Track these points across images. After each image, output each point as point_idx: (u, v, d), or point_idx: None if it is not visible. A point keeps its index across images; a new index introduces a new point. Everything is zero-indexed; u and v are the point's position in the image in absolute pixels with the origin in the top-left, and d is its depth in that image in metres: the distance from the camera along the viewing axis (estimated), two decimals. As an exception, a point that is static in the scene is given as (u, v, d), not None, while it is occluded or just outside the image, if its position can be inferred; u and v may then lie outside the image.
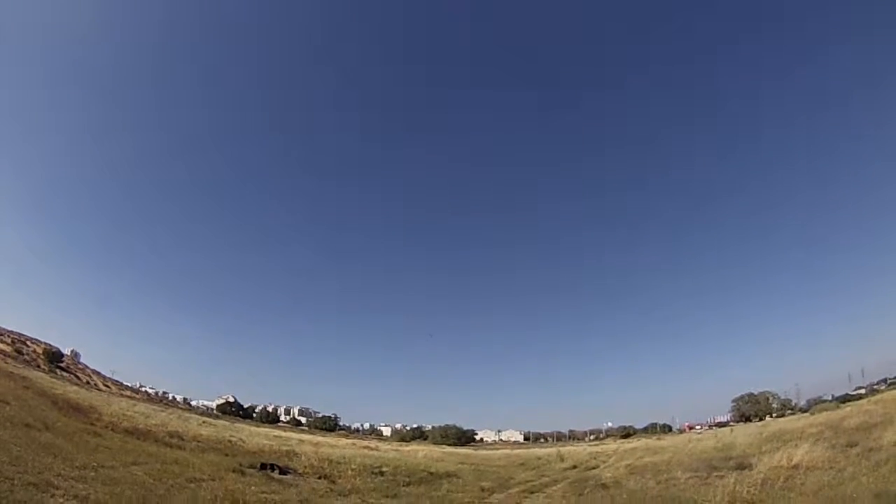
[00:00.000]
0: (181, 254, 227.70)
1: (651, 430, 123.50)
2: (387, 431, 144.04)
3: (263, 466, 19.77)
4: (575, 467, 38.30)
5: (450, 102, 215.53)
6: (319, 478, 20.41)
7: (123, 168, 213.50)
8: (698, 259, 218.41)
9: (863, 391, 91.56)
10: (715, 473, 18.08)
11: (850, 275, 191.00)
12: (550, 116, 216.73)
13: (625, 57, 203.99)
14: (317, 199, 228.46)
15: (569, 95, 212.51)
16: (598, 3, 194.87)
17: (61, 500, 8.47)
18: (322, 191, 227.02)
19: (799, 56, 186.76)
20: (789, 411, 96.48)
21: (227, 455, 23.43)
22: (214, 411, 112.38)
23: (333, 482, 19.74)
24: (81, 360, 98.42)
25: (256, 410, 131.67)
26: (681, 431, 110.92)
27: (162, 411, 55.56)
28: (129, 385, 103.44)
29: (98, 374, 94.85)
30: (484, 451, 78.95)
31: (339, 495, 16.58)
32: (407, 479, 22.67)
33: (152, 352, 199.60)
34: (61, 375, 73.40)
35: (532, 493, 22.59)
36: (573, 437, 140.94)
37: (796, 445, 19.45)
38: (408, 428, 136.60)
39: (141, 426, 26.38)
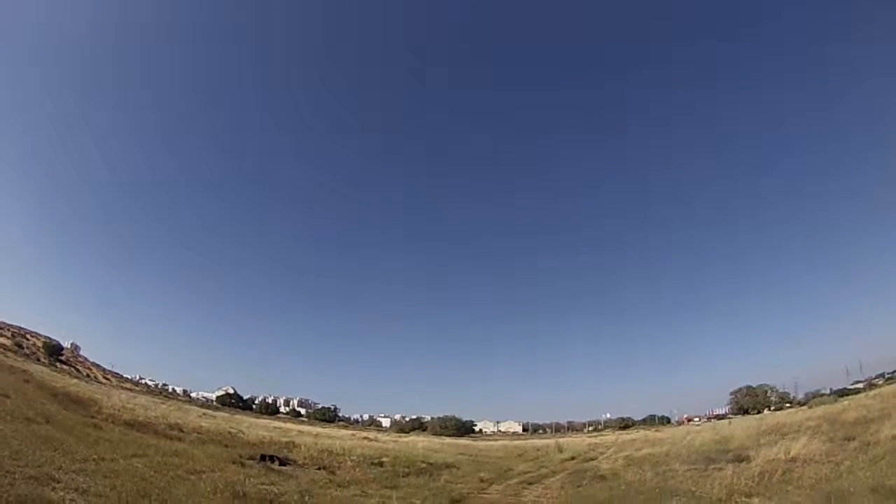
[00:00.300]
0: (180, 247, 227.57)
1: (649, 421, 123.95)
2: (386, 422, 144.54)
3: (263, 458, 19.86)
4: (573, 458, 38.47)
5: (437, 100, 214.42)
6: (319, 469, 20.52)
7: (123, 163, 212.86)
8: (697, 252, 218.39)
9: (861, 385, 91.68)
10: (713, 466, 18.16)
11: (850, 270, 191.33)
12: (546, 111, 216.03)
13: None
14: (315, 193, 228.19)
15: (567, 90, 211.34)
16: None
17: (62, 494, 8.48)
18: (322, 185, 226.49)
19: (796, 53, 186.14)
20: (787, 404, 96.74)
21: (227, 446, 23.51)
22: (214, 403, 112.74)
23: (333, 473, 19.84)
24: (81, 353, 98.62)
25: (256, 402, 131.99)
26: (679, 423, 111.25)
27: (162, 403, 55.67)
28: (129, 377, 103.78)
29: (98, 366, 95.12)
30: (483, 442, 79.34)
31: (339, 486, 16.65)
32: (406, 470, 22.79)
33: (152, 344, 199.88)
34: (61, 368, 73.65)
35: (531, 484, 22.71)
36: (572, 428, 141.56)
37: (794, 439, 19.55)
38: (407, 419, 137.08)
39: (141, 418, 26.44)
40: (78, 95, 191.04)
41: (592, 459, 35.46)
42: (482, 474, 25.02)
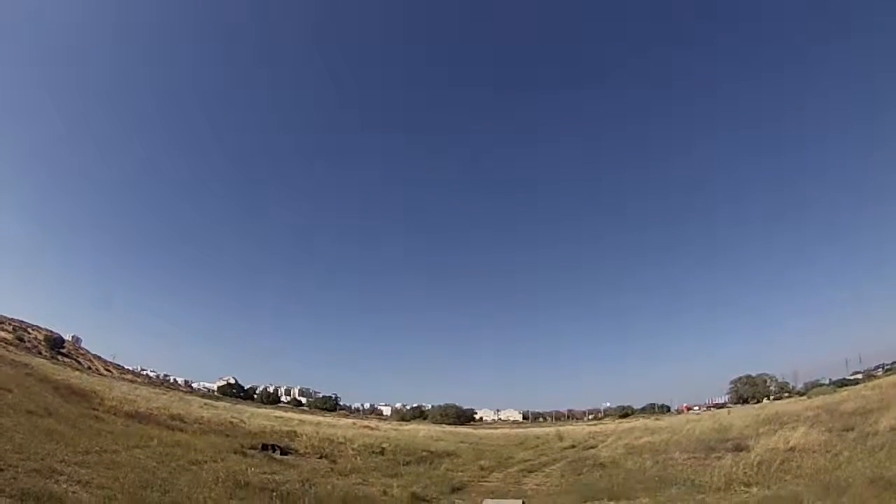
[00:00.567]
0: (179, 239, 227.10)
1: (649, 410, 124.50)
2: (387, 411, 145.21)
3: (265, 447, 19.97)
4: (573, 447, 38.68)
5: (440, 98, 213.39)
6: (320, 458, 20.64)
7: (121, 158, 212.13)
8: (698, 241, 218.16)
9: (860, 376, 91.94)
10: (712, 454, 18.28)
11: (850, 261, 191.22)
12: (543, 108, 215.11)
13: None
14: (314, 185, 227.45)
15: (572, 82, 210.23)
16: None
17: (65, 486, 8.52)
18: (321, 177, 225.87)
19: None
20: (786, 394, 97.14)
21: (228, 436, 23.63)
22: (215, 393, 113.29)
23: (334, 462, 19.96)
24: (82, 346, 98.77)
25: (257, 391, 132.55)
26: (679, 412, 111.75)
27: (163, 394, 55.93)
28: (131, 369, 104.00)
29: (99, 358, 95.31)
30: (483, 431, 79.78)
31: (340, 475, 16.75)
32: (407, 459, 22.92)
33: (153, 336, 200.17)
34: (63, 361, 73.83)
35: (531, 472, 22.84)
36: (572, 416, 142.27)
37: (793, 428, 19.62)
38: (408, 407, 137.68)
39: (143, 410, 26.54)
40: (79, 93, 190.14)
41: (592, 448, 35.66)
42: (483, 462, 25.16)
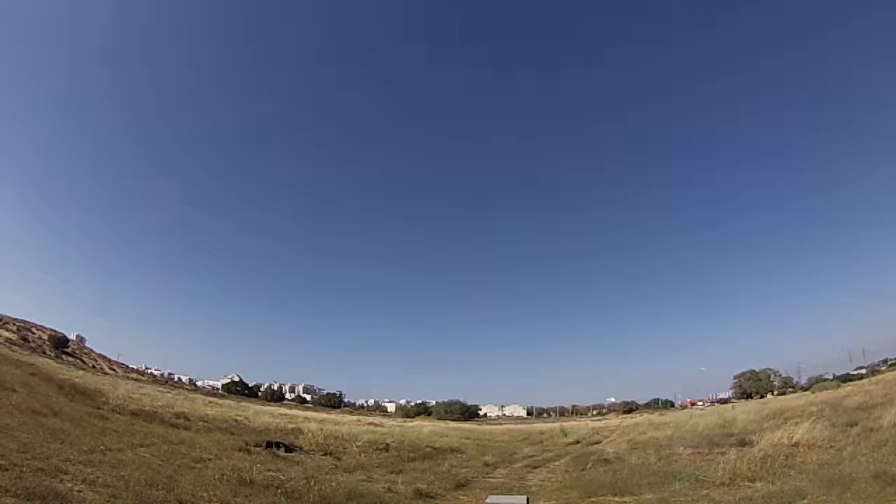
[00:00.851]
0: (183, 236, 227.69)
1: (653, 405, 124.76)
2: (391, 407, 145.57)
3: (269, 444, 19.98)
4: (578, 442, 38.76)
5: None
6: (325, 455, 20.65)
7: (122, 155, 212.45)
8: (700, 235, 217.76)
9: (863, 371, 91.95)
10: (716, 450, 18.22)
11: (853, 255, 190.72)
12: (547, 95, 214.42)
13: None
14: (316, 178, 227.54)
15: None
16: None
17: (70, 485, 8.54)
18: (323, 172, 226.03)
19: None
20: (790, 389, 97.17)
21: (232, 434, 23.69)
22: (220, 391, 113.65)
23: (339, 459, 19.97)
24: (87, 345, 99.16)
25: (261, 389, 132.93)
26: (682, 407, 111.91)
27: (168, 392, 56.14)
28: (135, 367, 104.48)
29: (104, 357, 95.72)
30: (487, 426, 79.89)
31: (345, 472, 16.77)
32: (411, 455, 22.92)
33: (157, 334, 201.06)
34: (67, 360, 74.16)
35: (535, 467, 22.87)
36: (576, 412, 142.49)
37: (797, 423, 19.54)
38: (412, 404, 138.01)
39: (147, 408, 26.61)
40: (79, 91, 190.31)
41: (597, 443, 35.74)
42: (487, 458, 25.20)
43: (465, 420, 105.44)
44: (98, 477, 9.55)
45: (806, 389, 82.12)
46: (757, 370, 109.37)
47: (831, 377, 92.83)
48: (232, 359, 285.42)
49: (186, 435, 19.85)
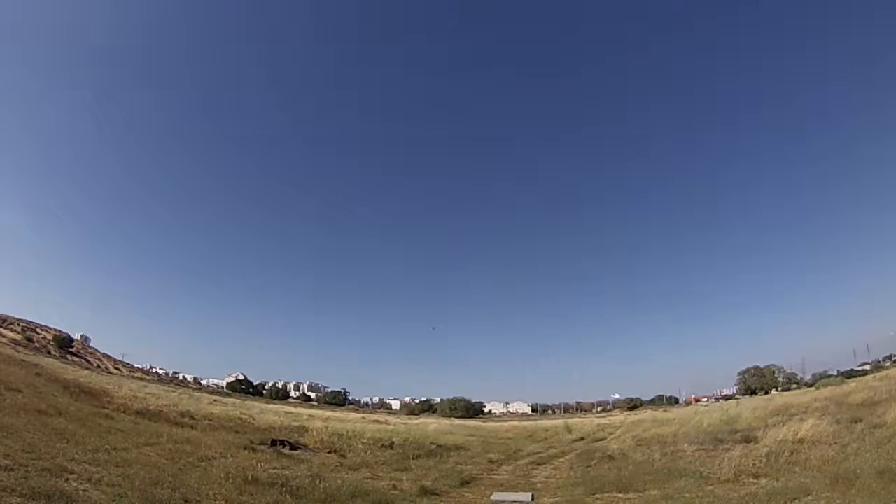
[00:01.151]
0: (187, 235, 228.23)
1: (658, 402, 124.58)
2: (396, 405, 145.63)
3: (274, 443, 20.05)
4: (582, 439, 38.81)
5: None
6: (329, 452, 20.71)
7: (125, 154, 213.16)
8: (705, 233, 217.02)
9: (868, 367, 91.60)
10: (721, 446, 18.17)
11: (857, 251, 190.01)
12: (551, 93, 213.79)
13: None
14: (319, 179, 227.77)
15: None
16: None
17: (75, 485, 8.57)
18: (325, 170, 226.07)
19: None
20: (794, 385, 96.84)
21: (237, 433, 23.79)
22: (224, 389, 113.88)
23: (343, 456, 20.02)
24: (91, 345, 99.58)
25: (266, 387, 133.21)
26: (687, 404, 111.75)
27: (172, 391, 56.30)
28: (140, 367, 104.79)
29: (108, 357, 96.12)
30: (492, 424, 80.00)
31: (350, 469, 16.82)
32: (416, 453, 22.94)
33: (162, 333, 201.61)
34: (72, 360, 74.50)
35: (540, 464, 22.90)
36: (581, 408, 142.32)
37: (801, 420, 19.48)
38: (417, 401, 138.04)
39: (152, 407, 26.69)
40: (81, 91, 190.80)
41: (601, 440, 35.76)
42: (492, 455, 25.25)
43: (470, 417, 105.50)
44: (103, 476, 9.58)
45: (810, 386, 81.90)
46: (761, 366, 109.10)
47: (836, 373, 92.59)
48: (237, 357, 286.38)
49: (191, 434, 19.94)
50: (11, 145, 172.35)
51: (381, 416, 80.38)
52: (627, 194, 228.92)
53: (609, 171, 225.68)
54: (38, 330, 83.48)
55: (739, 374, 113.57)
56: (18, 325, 79.62)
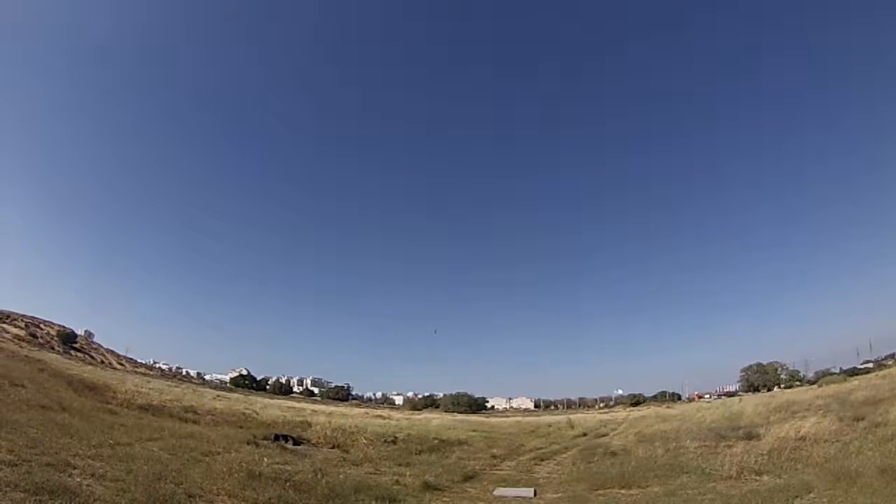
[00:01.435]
0: (188, 231, 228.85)
1: (660, 398, 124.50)
2: (399, 400, 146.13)
3: (277, 438, 20.10)
4: (585, 435, 38.75)
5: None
6: (333, 447, 20.78)
7: (125, 152, 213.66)
8: (708, 229, 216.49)
9: (870, 365, 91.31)
10: (723, 443, 18.17)
11: (860, 250, 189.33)
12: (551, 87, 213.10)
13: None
14: (320, 177, 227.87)
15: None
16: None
17: (79, 480, 8.59)
18: (328, 167, 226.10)
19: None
20: (797, 383, 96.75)
21: (241, 427, 23.87)
22: (228, 384, 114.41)
23: (346, 452, 20.08)
24: (95, 340, 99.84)
25: (269, 382, 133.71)
26: (690, 400, 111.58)
27: (176, 387, 56.54)
28: (143, 362, 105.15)
29: (112, 352, 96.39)
30: (495, 419, 79.99)
31: (353, 464, 16.85)
32: (419, 448, 23.00)
33: (165, 328, 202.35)
34: (76, 356, 74.76)
35: (543, 460, 22.90)
36: (583, 404, 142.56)
37: (804, 417, 19.49)
38: (420, 396, 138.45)
39: (155, 402, 26.82)
40: (82, 90, 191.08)
41: (604, 436, 35.70)
42: (494, 451, 25.27)
43: (473, 412, 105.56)
44: (107, 471, 9.61)
45: (813, 383, 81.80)
46: (764, 364, 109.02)
47: (838, 371, 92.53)
48: (240, 353, 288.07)
49: (195, 429, 20.02)
50: (12, 144, 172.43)
51: (385, 412, 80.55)
52: (629, 192, 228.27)
53: (612, 168, 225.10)
54: (41, 325, 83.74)
55: (742, 371, 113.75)
56: (22, 320, 79.86)
